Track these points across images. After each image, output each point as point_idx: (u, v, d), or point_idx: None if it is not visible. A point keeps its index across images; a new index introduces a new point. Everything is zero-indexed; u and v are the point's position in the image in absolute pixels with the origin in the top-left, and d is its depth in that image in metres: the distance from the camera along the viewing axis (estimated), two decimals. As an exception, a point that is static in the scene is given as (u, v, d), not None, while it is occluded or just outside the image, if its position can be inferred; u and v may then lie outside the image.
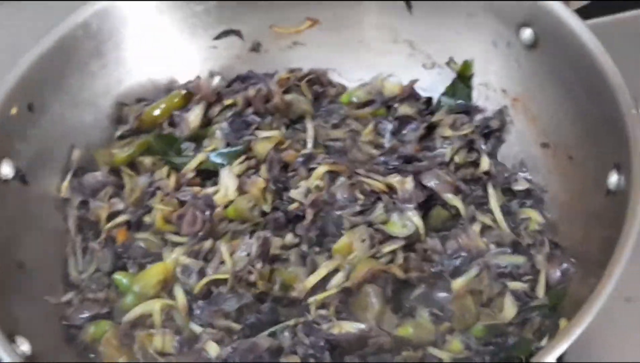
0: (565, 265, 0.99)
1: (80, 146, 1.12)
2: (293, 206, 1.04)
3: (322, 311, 0.97)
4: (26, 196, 1.05)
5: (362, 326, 0.93)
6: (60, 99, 1.10)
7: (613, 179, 0.93)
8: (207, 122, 1.16)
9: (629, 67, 0.97)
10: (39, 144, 1.08)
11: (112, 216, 1.07)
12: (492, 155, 1.11)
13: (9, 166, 1.02)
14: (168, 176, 1.10)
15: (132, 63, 1.17)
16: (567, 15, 1.02)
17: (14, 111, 1.04)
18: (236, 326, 0.97)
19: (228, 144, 1.12)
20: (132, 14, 1.16)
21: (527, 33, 1.08)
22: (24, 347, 0.89)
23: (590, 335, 1.06)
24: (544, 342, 0.92)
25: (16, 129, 1.05)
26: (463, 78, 1.17)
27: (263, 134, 1.12)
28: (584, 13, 1.03)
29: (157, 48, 1.19)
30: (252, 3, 1.20)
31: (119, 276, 1.02)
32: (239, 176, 1.08)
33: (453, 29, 1.16)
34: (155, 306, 0.98)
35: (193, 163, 1.10)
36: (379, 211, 1.04)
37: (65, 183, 1.10)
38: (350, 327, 0.93)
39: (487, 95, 1.16)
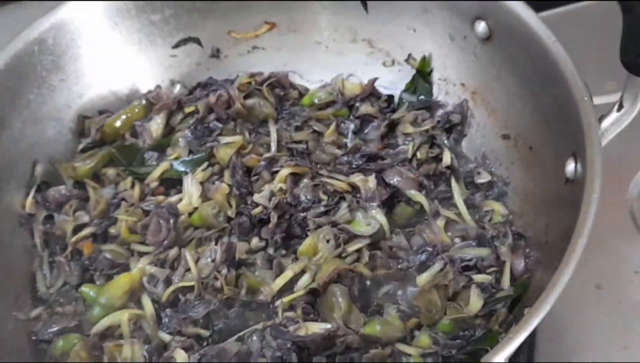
0: (529, 255, 1.00)
1: (43, 160, 1.12)
2: (257, 211, 1.04)
3: (290, 314, 0.97)
4: (-10, 213, 1.05)
5: (329, 326, 0.94)
6: (21, 115, 1.10)
7: (570, 167, 0.93)
8: (169, 130, 1.16)
9: (581, 57, 0.98)
10: (1, 160, 1.07)
11: (77, 229, 1.07)
12: (454, 149, 1.12)
13: (-29, 184, 1.02)
14: (132, 186, 1.11)
15: (92, 75, 1.17)
16: (519, 7, 1.03)
17: (-27, 129, 1.04)
18: (205, 332, 0.97)
19: (191, 152, 1.12)
20: (87, 27, 1.16)
21: (481, 26, 1.09)
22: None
23: (562, 322, 1.08)
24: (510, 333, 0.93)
25: (-23, 146, 1.04)
26: (423, 74, 1.18)
27: (225, 140, 1.12)
28: (535, 6, 1.03)
29: (116, 59, 1.19)
30: (209, 10, 1.21)
31: (86, 289, 1.02)
32: (202, 183, 1.08)
33: (410, 25, 1.17)
34: (123, 316, 0.98)
35: (156, 173, 1.10)
36: (343, 210, 1.04)
37: (30, 199, 1.09)
38: (317, 328, 0.94)
39: (447, 90, 1.17)
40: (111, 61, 1.18)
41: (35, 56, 1.11)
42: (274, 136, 1.14)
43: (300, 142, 1.15)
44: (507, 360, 0.81)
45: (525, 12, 1.02)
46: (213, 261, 0.99)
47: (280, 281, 0.99)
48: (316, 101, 1.20)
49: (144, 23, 1.18)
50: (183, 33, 1.21)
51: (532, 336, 1.05)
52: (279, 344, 0.93)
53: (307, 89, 1.23)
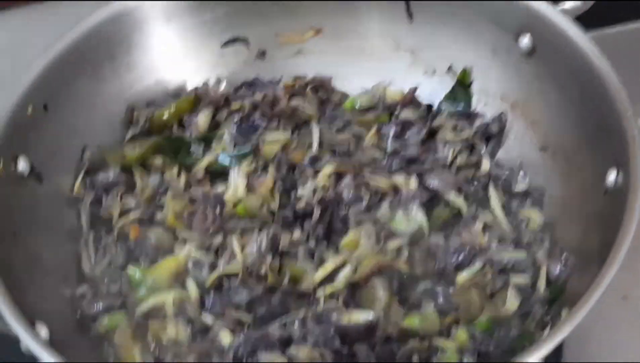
0: (564, 261, 1.03)
1: (92, 146, 1.15)
2: (301, 205, 1.07)
3: (331, 303, 0.99)
4: (41, 194, 1.08)
5: (370, 316, 0.96)
6: (74, 101, 1.13)
7: (611, 178, 0.96)
8: (215, 125, 1.19)
9: (625, 73, 1.01)
10: (53, 143, 1.10)
11: (124, 213, 1.10)
12: (492, 157, 1.15)
13: (25, 163, 1.05)
14: (178, 175, 1.13)
15: (143, 68, 1.20)
16: (564, 22, 1.06)
17: (29, 110, 1.07)
18: (247, 317, 0.99)
19: (236, 147, 1.15)
20: (142, 22, 1.19)
21: (525, 40, 1.11)
22: (43, 332, 0.91)
23: (587, 331, 1.10)
24: (545, 334, 0.95)
25: (32, 128, 1.07)
26: (463, 85, 1.21)
27: (270, 136, 1.15)
28: (585, 24, 1.06)
29: (167, 54, 1.22)
30: (259, 12, 1.24)
31: (132, 270, 1.04)
32: (247, 176, 1.11)
33: (453, 36, 1.20)
34: (168, 297, 1.00)
35: (203, 163, 1.13)
36: (384, 209, 1.07)
37: (78, 182, 1.12)
38: (359, 317, 0.96)
39: (486, 101, 1.19)
40: (162, 55, 1.22)
41: (91, 46, 1.14)
42: (316, 136, 1.17)
43: (341, 144, 1.18)
44: (542, 361, 0.84)
45: (569, 27, 1.05)
46: (259, 249, 1.02)
47: (322, 272, 1.01)
48: (357, 106, 1.23)
49: (196, 22, 1.22)
50: (232, 33, 1.24)
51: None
52: (321, 330, 0.95)
53: (348, 95, 1.25)
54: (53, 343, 0.89)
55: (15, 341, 0.89)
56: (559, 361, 1.06)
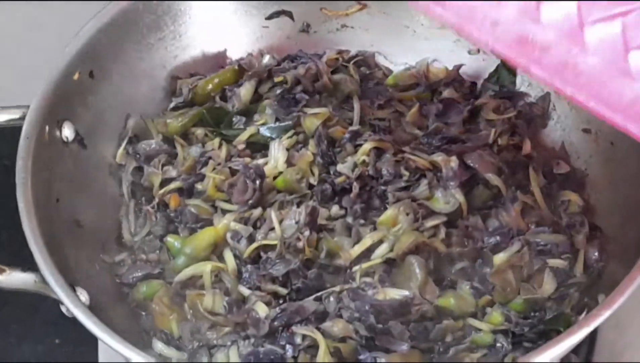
0: (604, 246, 1.02)
1: (135, 115, 1.16)
2: (340, 179, 1.07)
3: (367, 279, 1.00)
4: (84, 160, 1.09)
5: (406, 293, 0.97)
6: (119, 69, 1.14)
7: (656, 166, 0.96)
8: (257, 98, 1.20)
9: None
10: (97, 110, 1.12)
11: (164, 182, 1.11)
12: (534, 139, 1.14)
13: (70, 128, 1.07)
14: (219, 147, 1.14)
15: (188, 38, 1.21)
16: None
17: (76, 76, 1.08)
18: (283, 290, 1.00)
19: (277, 120, 1.15)
20: (190, -10, 1.20)
21: (573, 20, 1.10)
22: (83, 297, 0.93)
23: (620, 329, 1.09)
24: (581, 317, 0.95)
25: (78, 94, 1.09)
26: (507, 64, 1.20)
27: (312, 110, 1.16)
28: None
29: (212, 25, 1.22)
30: (304, -15, 1.24)
31: (171, 239, 1.06)
32: (287, 149, 1.11)
33: (500, 16, 1.19)
34: (205, 268, 1.01)
35: (244, 135, 1.14)
36: (423, 187, 1.07)
37: (121, 150, 1.14)
38: (394, 294, 0.97)
39: (530, 81, 1.19)
40: (207, 26, 1.22)
41: (139, 14, 1.15)
42: (357, 111, 1.17)
43: (382, 120, 1.17)
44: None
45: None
46: (297, 222, 1.03)
47: (359, 248, 1.02)
48: (400, 83, 1.22)
49: (242, -7, 1.23)
50: (277, 6, 1.24)
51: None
52: (357, 306, 0.96)
53: (390, 71, 1.25)
54: (92, 308, 0.91)
55: (55, 303, 0.91)
56: (590, 361, 1.06)
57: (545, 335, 0.95)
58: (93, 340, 1.01)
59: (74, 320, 0.89)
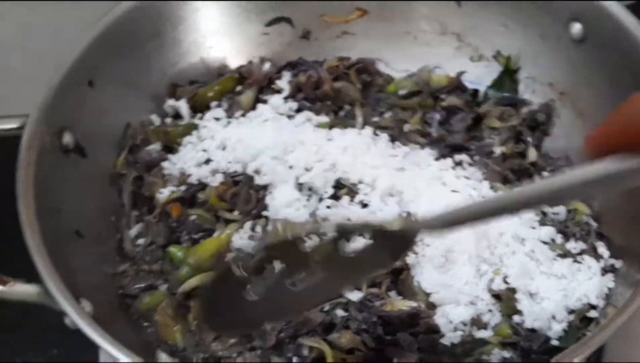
0: (610, 254, 1.01)
1: (135, 123, 1.15)
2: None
3: (374, 290, 0.99)
4: (84, 169, 1.07)
5: (415, 304, 0.96)
6: (118, 77, 1.13)
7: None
8: (258, 106, 1.18)
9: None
10: (97, 119, 1.10)
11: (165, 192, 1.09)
12: (538, 147, 1.13)
13: (70, 137, 1.05)
14: (221, 155, 1.12)
15: (187, 46, 1.20)
16: (617, 10, 1.04)
17: (75, 85, 1.07)
18: (289, 301, 0.99)
19: (280, 127, 1.14)
20: (189, -1, 1.18)
21: (576, 28, 1.09)
22: (87, 308, 0.91)
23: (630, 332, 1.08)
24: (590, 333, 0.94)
25: (77, 103, 1.07)
26: (509, 72, 1.19)
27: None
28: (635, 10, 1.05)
29: (212, 32, 1.21)
30: (304, -8, 1.23)
31: (174, 249, 1.04)
32: (291, 157, 1.10)
33: (502, 22, 1.18)
34: (210, 278, 1.00)
35: (246, 143, 1.12)
36: (427, 196, 1.06)
37: (121, 158, 1.12)
38: (402, 305, 0.96)
39: (534, 88, 1.18)
40: (207, 33, 1.21)
41: (137, 22, 1.14)
42: (359, 119, 1.16)
43: (385, 128, 1.16)
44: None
45: (623, 15, 1.04)
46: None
47: (366, 258, 1.00)
48: (402, 91, 1.21)
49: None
50: (277, 12, 1.23)
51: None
52: (364, 317, 0.95)
53: (392, 78, 1.24)
54: (96, 320, 0.89)
55: (58, 314, 0.89)
56: (599, 361, 1.04)
57: (554, 350, 0.94)
58: (93, 349, 0.99)
59: (73, 331, 0.88)
